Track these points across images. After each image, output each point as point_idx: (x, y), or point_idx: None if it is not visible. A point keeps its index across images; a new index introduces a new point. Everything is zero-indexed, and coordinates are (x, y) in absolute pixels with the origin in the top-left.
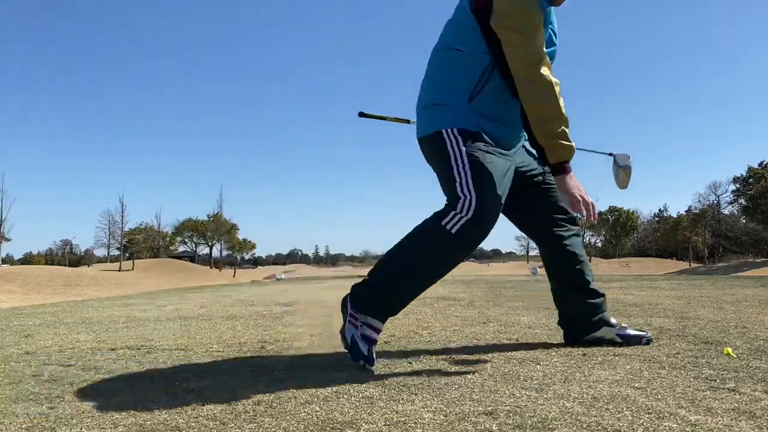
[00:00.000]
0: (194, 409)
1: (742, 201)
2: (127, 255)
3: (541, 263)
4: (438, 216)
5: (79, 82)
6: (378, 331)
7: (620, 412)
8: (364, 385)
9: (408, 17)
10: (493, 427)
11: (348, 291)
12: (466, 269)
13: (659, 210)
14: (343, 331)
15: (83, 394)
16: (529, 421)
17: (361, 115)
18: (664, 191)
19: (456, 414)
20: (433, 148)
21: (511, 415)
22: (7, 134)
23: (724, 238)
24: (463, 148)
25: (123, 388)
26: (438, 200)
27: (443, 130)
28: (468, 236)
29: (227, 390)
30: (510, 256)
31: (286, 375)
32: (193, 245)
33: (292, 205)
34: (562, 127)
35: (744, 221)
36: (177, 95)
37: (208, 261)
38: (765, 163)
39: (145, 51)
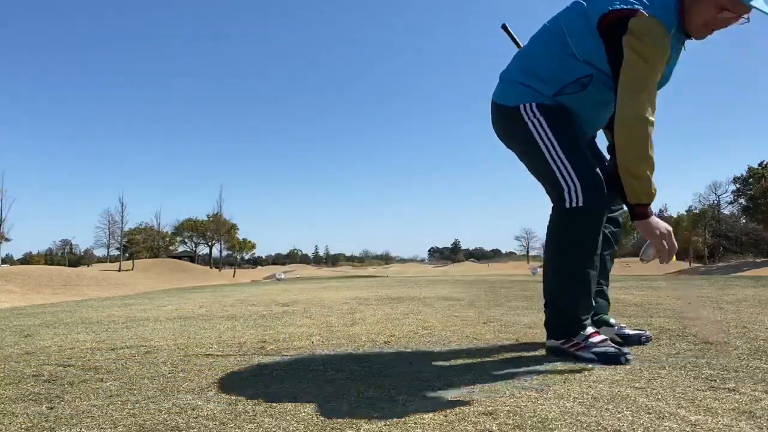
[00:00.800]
0: (194, 409)
1: (742, 201)
2: (127, 255)
3: (540, 264)
4: (557, 210)
5: (79, 83)
6: (597, 333)
7: (620, 412)
8: (364, 385)
9: (409, 18)
10: (493, 427)
11: (348, 290)
12: (466, 269)
13: (659, 210)
14: (582, 360)
15: (83, 394)
16: (529, 421)
17: (504, 27)
18: (664, 191)
19: (456, 414)
20: (511, 125)
21: (511, 415)
22: (7, 134)
23: (724, 238)
24: (546, 126)
25: (123, 388)
26: (435, 202)
27: (521, 105)
28: (592, 200)
29: (227, 390)
30: (510, 256)
31: (286, 375)
32: (193, 245)
33: (292, 205)
34: (646, 171)
35: (744, 221)
36: (177, 95)
37: (208, 261)
38: (765, 163)
39: (145, 51)
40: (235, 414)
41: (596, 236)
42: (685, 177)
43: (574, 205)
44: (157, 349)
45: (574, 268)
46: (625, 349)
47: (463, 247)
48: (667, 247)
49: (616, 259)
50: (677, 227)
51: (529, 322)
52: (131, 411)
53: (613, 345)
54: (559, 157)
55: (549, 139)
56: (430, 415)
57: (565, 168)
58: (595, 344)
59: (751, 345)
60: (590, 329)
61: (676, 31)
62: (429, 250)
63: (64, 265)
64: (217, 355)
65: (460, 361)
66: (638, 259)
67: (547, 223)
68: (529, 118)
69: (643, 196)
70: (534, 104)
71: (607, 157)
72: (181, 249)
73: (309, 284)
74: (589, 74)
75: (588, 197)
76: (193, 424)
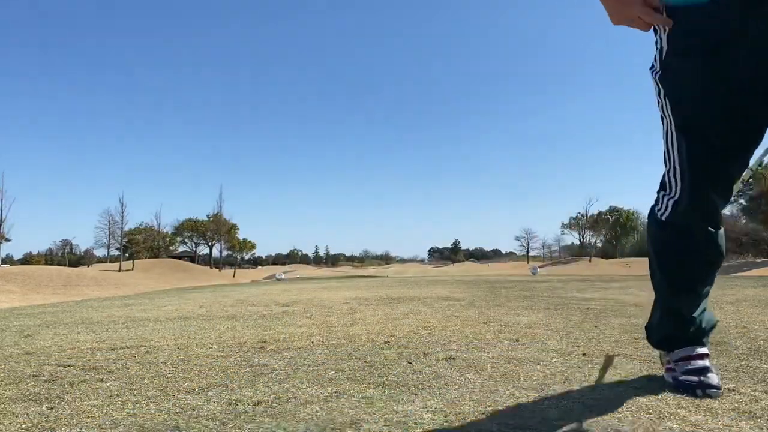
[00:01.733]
0: (194, 409)
1: (742, 201)
2: (127, 255)
3: (540, 263)
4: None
5: (79, 83)
6: (700, 356)
7: (620, 412)
8: (364, 385)
9: (408, 19)
10: (493, 427)
11: (348, 290)
12: (466, 269)
13: None
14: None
15: (83, 394)
16: (529, 422)
17: None
18: None
19: (456, 414)
20: None
21: (511, 414)
22: (7, 134)
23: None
24: (661, 73)
25: (123, 388)
26: (435, 202)
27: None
28: (676, 226)
29: (227, 390)
30: (510, 256)
31: (286, 375)
32: (193, 245)
33: (292, 205)
34: None
35: (744, 221)
36: (177, 95)
37: (208, 261)
38: (765, 163)
39: (144, 51)
40: (235, 414)
41: (680, 255)
42: None
43: (660, 216)
44: (157, 349)
45: (655, 282)
46: (712, 380)
47: (463, 247)
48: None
49: (615, 259)
50: None
51: (529, 322)
52: (131, 411)
53: (698, 374)
54: (671, 142)
55: (666, 106)
56: (430, 415)
57: (674, 161)
58: (680, 371)
59: (751, 345)
60: (683, 351)
61: None
62: (429, 250)
63: (64, 265)
64: (217, 355)
65: (459, 361)
66: None
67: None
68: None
69: None
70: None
71: None
72: (181, 249)
73: (309, 284)
74: None
75: (678, 212)
76: (193, 424)
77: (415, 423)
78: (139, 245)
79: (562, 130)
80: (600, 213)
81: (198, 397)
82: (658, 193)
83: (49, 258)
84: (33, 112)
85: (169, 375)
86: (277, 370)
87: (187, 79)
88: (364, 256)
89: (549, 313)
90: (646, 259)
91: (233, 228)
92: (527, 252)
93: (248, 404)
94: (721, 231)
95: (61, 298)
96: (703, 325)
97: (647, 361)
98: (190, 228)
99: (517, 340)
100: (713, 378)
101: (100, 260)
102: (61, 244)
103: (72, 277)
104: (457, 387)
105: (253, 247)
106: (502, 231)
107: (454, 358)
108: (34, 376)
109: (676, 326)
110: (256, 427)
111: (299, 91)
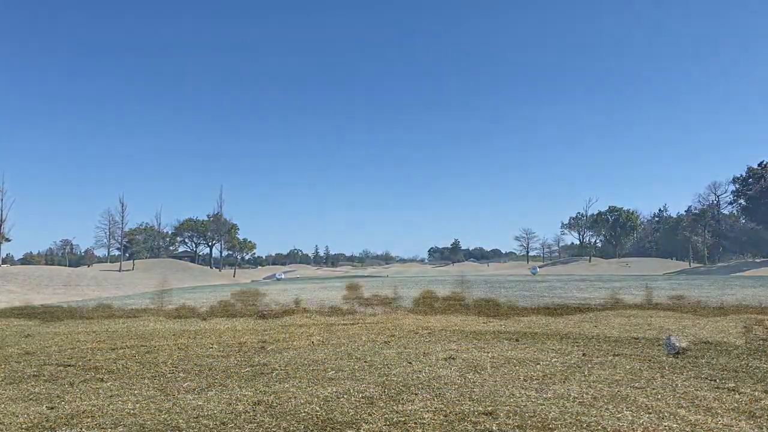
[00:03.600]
0: (194, 409)
1: (741, 201)
2: (127, 255)
3: (540, 263)
4: None
5: (79, 83)
6: None
7: (620, 412)
8: (364, 385)
9: (407, 17)
10: (493, 427)
11: (348, 290)
12: (466, 269)
13: (659, 210)
14: None
15: (83, 394)
16: (529, 421)
17: None
18: (664, 191)
19: (456, 414)
20: None
21: (511, 415)
22: (7, 134)
23: (724, 238)
24: None
25: (123, 387)
26: (435, 202)
27: None
28: None
29: (227, 390)
30: (510, 256)
31: (286, 375)
32: (193, 245)
33: (292, 205)
34: None
35: (744, 221)
36: (177, 95)
37: (208, 261)
38: (765, 163)
39: (144, 51)
40: (235, 414)
41: None
42: (685, 177)
43: None
44: (157, 349)
45: None
46: None
47: (463, 247)
48: None
49: (615, 259)
50: (677, 227)
51: (528, 322)
52: (131, 411)
53: None
54: None
55: None
56: (430, 415)
57: None
58: None
59: (751, 345)
60: None
61: None
62: (429, 250)
63: (65, 265)
64: (217, 355)
65: (459, 361)
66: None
67: None
68: None
69: None
70: None
71: None
72: (181, 249)
73: (309, 284)
74: None
75: None
76: (193, 424)
77: (415, 423)
78: (139, 245)
79: (561, 130)
80: (600, 213)
81: (198, 397)
82: None
83: (49, 258)
84: (34, 113)
85: (169, 375)
86: (277, 370)
87: (187, 79)
88: (364, 256)
89: (549, 313)
90: (646, 259)
91: (233, 228)
92: (527, 252)
93: (248, 404)
94: None
95: (61, 298)
96: None
97: (647, 360)
98: (190, 228)
99: (517, 340)
100: None
101: (101, 260)
102: (61, 244)
103: (72, 277)
104: (457, 387)
105: (253, 247)
106: (502, 231)
107: (454, 358)
108: (34, 376)
109: None
110: (256, 427)
111: (300, 90)
